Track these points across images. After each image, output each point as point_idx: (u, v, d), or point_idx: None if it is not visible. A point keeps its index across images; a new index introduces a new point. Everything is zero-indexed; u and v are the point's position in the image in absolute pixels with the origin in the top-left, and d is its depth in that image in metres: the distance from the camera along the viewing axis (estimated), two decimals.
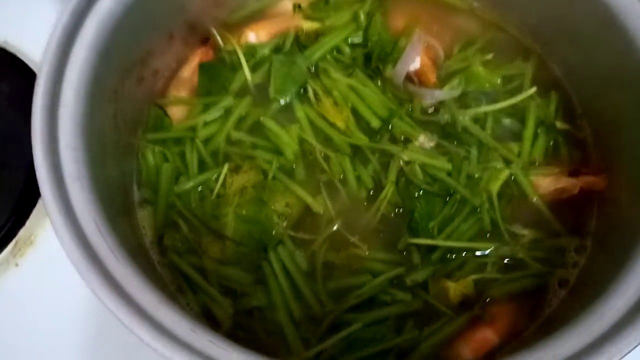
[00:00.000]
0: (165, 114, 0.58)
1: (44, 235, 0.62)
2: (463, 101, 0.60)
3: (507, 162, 0.57)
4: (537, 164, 0.58)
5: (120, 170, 0.52)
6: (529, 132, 0.59)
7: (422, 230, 0.52)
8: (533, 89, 0.60)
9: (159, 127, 0.57)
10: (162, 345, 0.34)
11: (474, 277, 0.50)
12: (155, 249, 0.52)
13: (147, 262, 0.50)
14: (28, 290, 0.59)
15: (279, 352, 0.48)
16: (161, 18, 0.56)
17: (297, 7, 0.65)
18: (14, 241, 0.61)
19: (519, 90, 0.62)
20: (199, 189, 0.55)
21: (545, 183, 0.57)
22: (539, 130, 0.59)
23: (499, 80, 0.62)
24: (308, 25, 0.64)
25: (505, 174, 0.56)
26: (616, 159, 0.55)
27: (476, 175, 0.56)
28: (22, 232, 0.61)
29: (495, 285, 0.51)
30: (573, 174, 0.56)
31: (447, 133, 0.58)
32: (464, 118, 0.59)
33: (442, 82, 0.62)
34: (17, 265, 0.60)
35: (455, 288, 0.49)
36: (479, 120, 0.59)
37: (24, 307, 0.59)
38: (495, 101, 0.60)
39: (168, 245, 0.51)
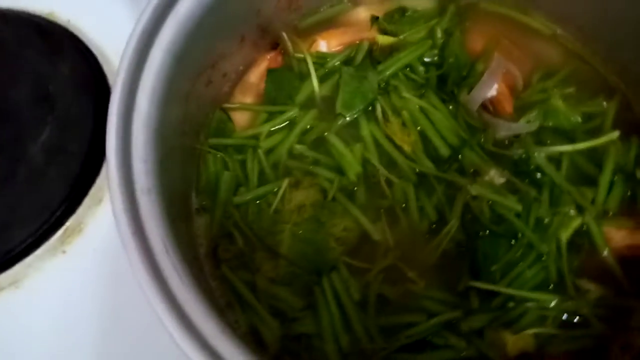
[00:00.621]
0: (229, 118, 0.57)
1: (94, 224, 0.61)
2: (538, 136, 0.57)
3: (580, 209, 0.53)
4: (610, 214, 0.54)
5: (182, 175, 0.51)
6: (605, 179, 0.55)
7: (484, 272, 0.50)
8: (616, 133, 0.56)
9: (222, 132, 0.56)
10: None
11: (533, 331, 0.48)
12: (209, 260, 0.50)
13: (200, 274, 0.49)
14: (73, 278, 0.59)
15: None
16: (236, 21, 0.55)
17: (374, 19, 0.62)
18: (63, 228, 0.60)
19: (599, 130, 0.58)
20: (257, 201, 0.53)
21: (618, 236, 0.53)
22: (616, 178, 0.55)
23: (579, 118, 0.59)
24: (383, 40, 0.60)
25: (577, 222, 0.52)
26: None
27: (546, 220, 0.53)
28: (72, 220, 0.61)
29: (554, 342, 0.48)
30: None
31: (519, 170, 0.55)
32: (539, 155, 0.55)
33: (518, 113, 0.58)
34: (64, 252, 0.60)
35: (515, 342, 0.46)
36: (553, 160, 0.56)
37: (68, 293, 0.59)
38: (573, 140, 0.56)
39: (222, 257, 0.50)
